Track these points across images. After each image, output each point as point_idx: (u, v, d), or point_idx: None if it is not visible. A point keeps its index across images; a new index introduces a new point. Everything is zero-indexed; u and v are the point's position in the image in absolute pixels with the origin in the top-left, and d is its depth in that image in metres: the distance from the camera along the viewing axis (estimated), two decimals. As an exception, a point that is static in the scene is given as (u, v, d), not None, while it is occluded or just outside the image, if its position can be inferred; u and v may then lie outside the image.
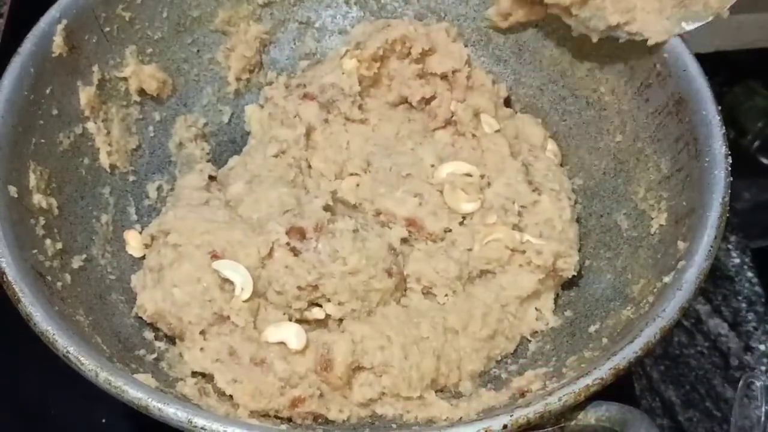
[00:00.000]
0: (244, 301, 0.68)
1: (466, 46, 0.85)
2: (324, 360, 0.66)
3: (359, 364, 0.67)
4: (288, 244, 0.69)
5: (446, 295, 0.72)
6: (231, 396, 0.66)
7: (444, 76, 0.82)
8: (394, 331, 0.68)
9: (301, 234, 0.69)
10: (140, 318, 0.71)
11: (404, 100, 0.83)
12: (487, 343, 0.71)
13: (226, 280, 0.68)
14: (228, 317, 0.68)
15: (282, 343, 0.66)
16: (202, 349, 0.68)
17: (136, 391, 0.56)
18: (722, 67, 0.75)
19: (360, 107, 0.82)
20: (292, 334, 0.66)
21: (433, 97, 0.82)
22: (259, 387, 0.65)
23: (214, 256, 0.69)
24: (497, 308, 0.72)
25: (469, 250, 0.74)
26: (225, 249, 0.69)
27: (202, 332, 0.68)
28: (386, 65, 0.83)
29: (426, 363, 0.68)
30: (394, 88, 0.83)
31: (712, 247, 0.62)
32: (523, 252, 0.73)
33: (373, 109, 0.83)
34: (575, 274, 0.75)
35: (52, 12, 0.73)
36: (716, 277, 0.95)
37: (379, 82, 0.83)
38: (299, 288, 0.68)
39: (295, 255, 0.69)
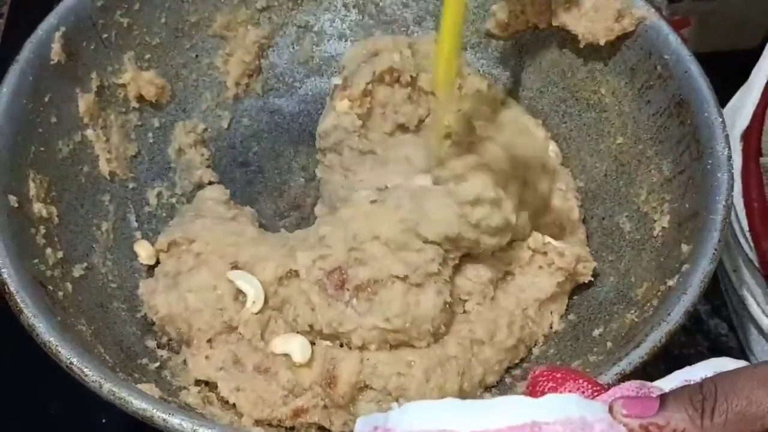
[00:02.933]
0: (254, 314, 0.67)
1: (465, 49, 0.85)
2: (329, 375, 0.64)
3: (368, 384, 0.65)
4: (320, 280, 0.65)
5: (478, 303, 0.69)
6: (234, 405, 0.65)
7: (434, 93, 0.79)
8: (417, 354, 0.64)
9: (341, 283, 0.65)
10: (142, 326, 0.70)
11: (401, 126, 0.80)
12: (509, 353, 0.69)
13: (241, 291, 0.67)
14: (236, 328, 0.67)
15: (287, 355, 0.65)
16: (207, 357, 0.67)
17: (140, 402, 0.56)
18: (722, 68, 0.75)
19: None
20: (296, 347, 0.65)
21: (428, 115, 0.80)
22: (262, 395, 0.65)
23: (235, 267, 0.68)
24: (520, 314, 0.69)
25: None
26: (247, 262, 0.68)
27: (209, 340, 0.68)
28: (375, 95, 0.79)
29: (449, 386, 0.65)
30: (388, 117, 0.79)
31: (716, 250, 0.62)
32: (545, 253, 0.72)
33: (376, 141, 0.79)
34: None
35: (50, 19, 0.72)
36: (716, 277, 0.94)
37: (372, 112, 0.80)
38: (314, 328, 0.65)
39: (322, 294, 0.65)
